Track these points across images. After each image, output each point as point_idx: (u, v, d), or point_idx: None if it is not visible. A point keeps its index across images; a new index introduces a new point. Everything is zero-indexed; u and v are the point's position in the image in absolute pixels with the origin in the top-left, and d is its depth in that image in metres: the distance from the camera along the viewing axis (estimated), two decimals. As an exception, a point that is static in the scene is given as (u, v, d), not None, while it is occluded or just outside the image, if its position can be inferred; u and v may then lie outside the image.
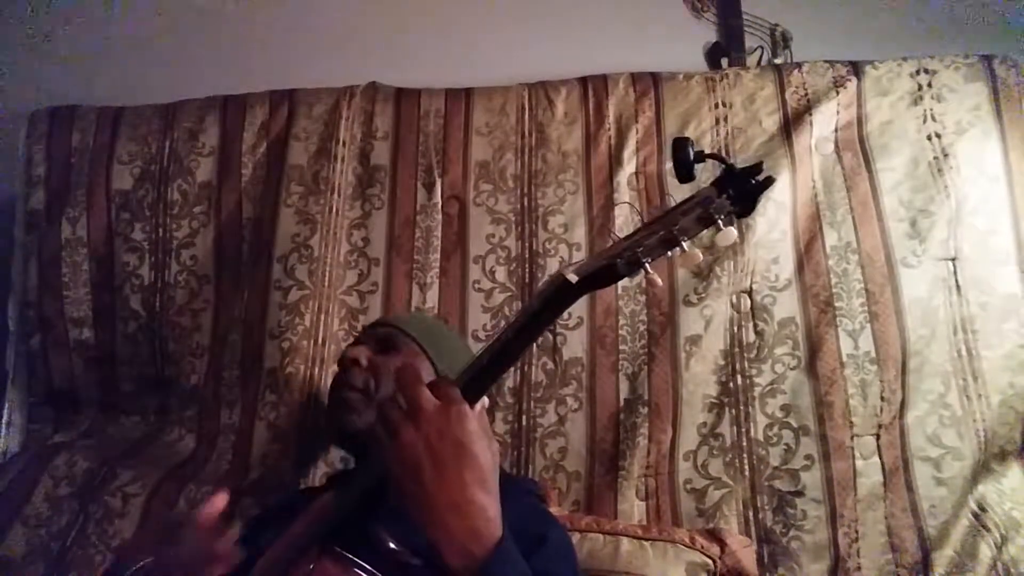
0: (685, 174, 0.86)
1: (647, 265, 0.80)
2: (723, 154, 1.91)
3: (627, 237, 0.84)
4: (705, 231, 0.80)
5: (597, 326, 1.82)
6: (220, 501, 1.07)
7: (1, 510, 1.76)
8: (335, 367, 1.82)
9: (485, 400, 0.91)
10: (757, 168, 0.79)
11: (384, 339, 1.46)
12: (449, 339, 1.58)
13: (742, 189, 0.79)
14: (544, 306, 0.84)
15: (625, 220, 1.89)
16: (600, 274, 0.82)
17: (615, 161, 1.95)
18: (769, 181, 0.80)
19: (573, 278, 0.82)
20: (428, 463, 0.81)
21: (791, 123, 1.92)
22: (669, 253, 0.80)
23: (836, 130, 1.92)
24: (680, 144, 0.85)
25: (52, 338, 2.03)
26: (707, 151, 0.85)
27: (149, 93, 2.20)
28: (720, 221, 0.79)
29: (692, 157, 0.85)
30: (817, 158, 1.90)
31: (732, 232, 0.79)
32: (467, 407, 0.84)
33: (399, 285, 1.90)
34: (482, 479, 0.82)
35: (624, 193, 1.92)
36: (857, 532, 1.62)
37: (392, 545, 0.91)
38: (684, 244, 0.79)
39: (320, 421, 1.80)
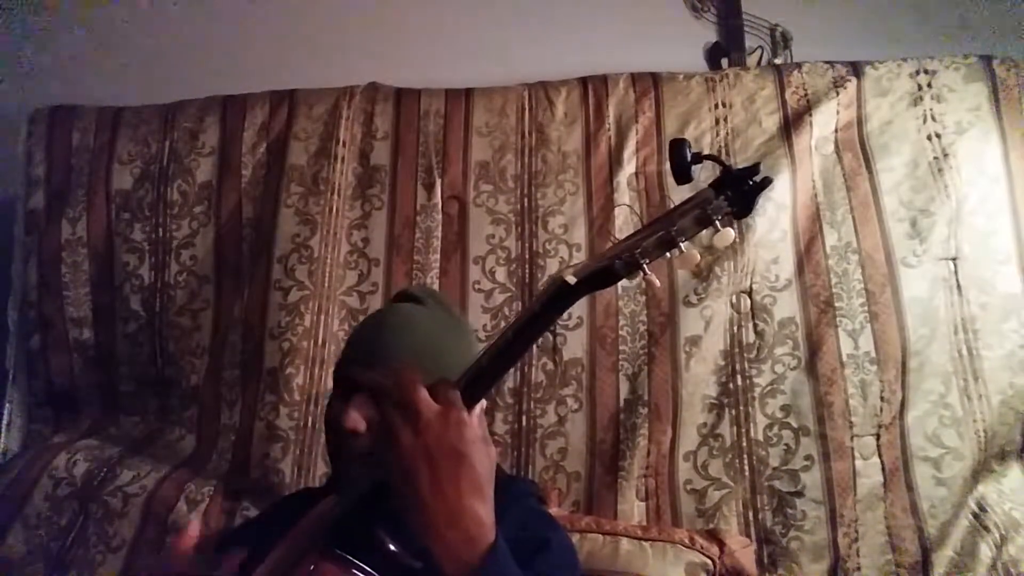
0: (683, 176, 0.86)
1: (645, 266, 0.80)
2: (723, 154, 1.91)
3: (626, 238, 0.84)
4: (703, 232, 0.80)
5: (597, 326, 1.82)
6: (192, 531, 1.06)
7: (1, 510, 1.76)
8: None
9: (484, 402, 0.90)
10: (754, 169, 0.79)
11: (383, 392, 1.21)
12: (460, 358, 1.23)
13: (740, 190, 0.79)
14: (543, 308, 0.84)
15: (625, 220, 1.90)
16: (598, 275, 0.82)
17: (615, 161, 1.95)
18: (766, 182, 0.80)
19: (572, 279, 0.82)
20: (425, 470, 0.81)
21: (791, 123, 1.92)
22: (667, 254, 0.80)
23: (836, 130, 1.92)
24: (677, 145, 0.85)
25: (52, 338, 2.03)
26: (707, 151, 0.85)
27: (149, 93, 2.20)
28: (718, 222, 0.79)
29: (689, 158, 0.85)
30: (817, 158, 1.90)
31: (730, 233, 0.79)
32: (466, 413, 0.83)
33: (399, 285, 1.89)
34: (478, 487, 0.82)
35: (624, 193, 1.92)
36: (857, 532, 1.62)
37: (392, 547, 0.91)
38: (682, 245, 0.79)
39: (320, 421, 1.80)
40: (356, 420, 1.14)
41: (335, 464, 1.25)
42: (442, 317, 1.30)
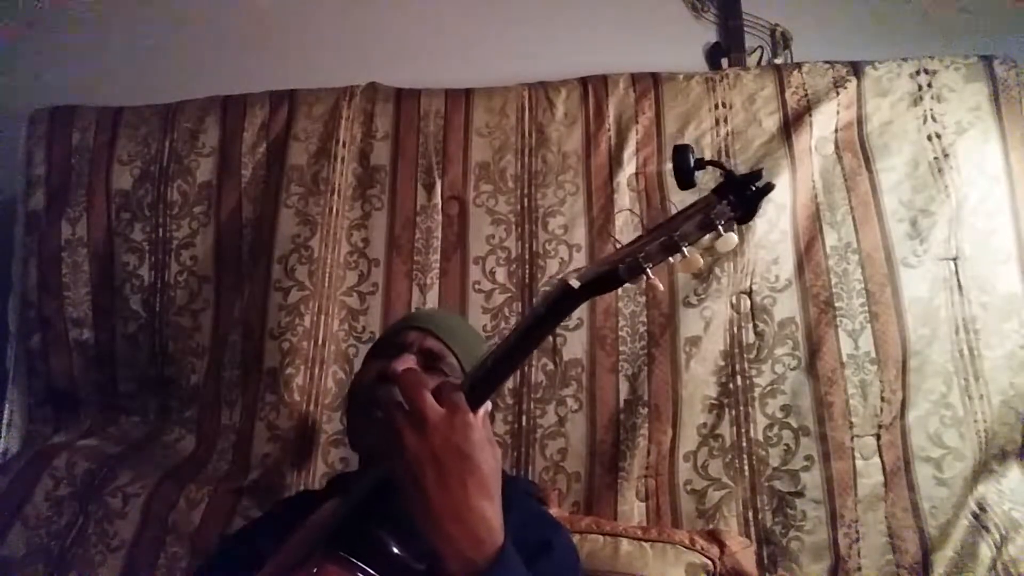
0: (686, 181, 0.86)
1: (648, 270, 0.80)
2: (723, 155, 1.91)
3: (629, 243, 0.84)
4: (706, 237, 0.80)
5: (597, 327, 1.82)
6: None
7: (1, 510, 1.76)
8: (335, 367, 1.84)
9: (488, 404, 0.90)
10: (757, 174, 0.79)
11: (432, 355, 1.36)
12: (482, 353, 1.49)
13: (742, 195, 0.79)
14: (547, 311, 0.84)
15: (625, 222, 1.89)
16: (602, 280, 0.82)
17: (615, 162, 1.95)
18: (769, 187, 0.80)
19: (575, 284, 0.82)
20: (432, 472, 0.81)
21: (791, 123, 1.92)
22: (670, 259, 0.80)
23: (836, 130, 1.92)
24: (680, 151, 0.85)
25: (52, 338, 2.03)
26: (707, 151, 0.85)
27: (149, 93, 2.20)
28: (721, 227, 0.79)
29: (692, 164, 0.85)
30: (817, 158, 1.90)
31: (733, 238, 0.79)
32: (471, 415, 0.83)
33: (399, 286, 1.90)
34: (485, 487, 0.82)
35: (624, 194, 1.92)
36: (857, 532, 1.62)
37: (395, 549, 0.91)
38: (685, 250, 0.79)
39: (320, 421, 1.81)
40: (407, 360, 1.30)
41: (353, 432, 1.39)
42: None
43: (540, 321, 0.85)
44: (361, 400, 1.35)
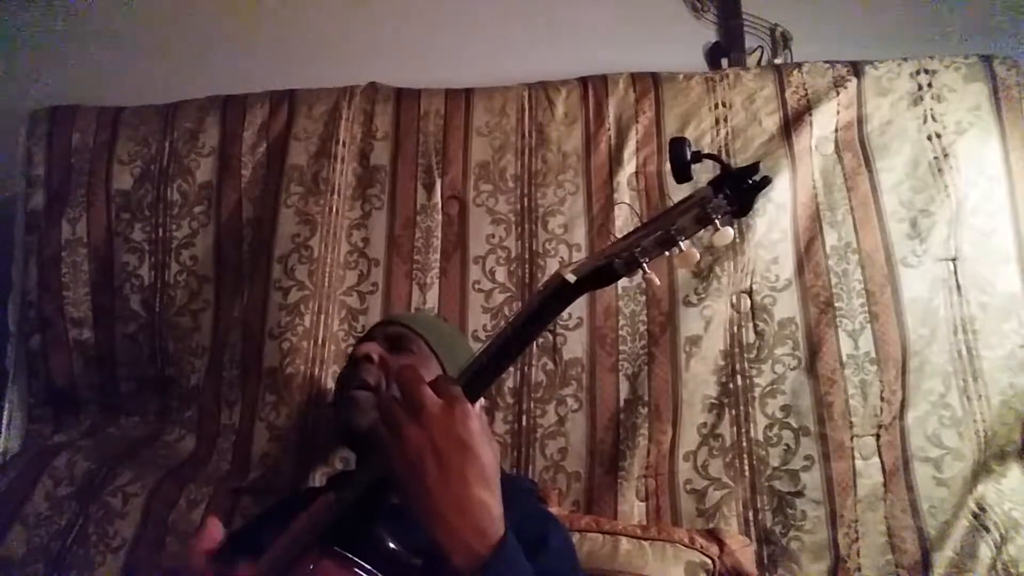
0: (682, 174, 0.85)
1: (645, 265, 0.79)
2: (723, 154, 1.91)
3: (625, 237, 0.84)
4: (702, 231, 0.80)
5: (597, 326, 1.82)
6: (215, 531, 1.07)
7: (1, 510, 1.76)
8: (335, 367, 1.84)
9: (483, 400, 0.90)
10: (754, 168, 0.79)
11: (395, 338, 1.46)
12: (457, 340, 1.58)
13: (739, 189, 0.78)
14: (543, 306, 0.84)
15: (625, 220, 1.89)
16: (598, 274, 0.81)
17: (615, 161, 1.95)
18: (766, 181, 0.79)
19: (571, 278, 0.82)
20: (432, 463, 0.80)
21: (791, 123, 1.92)
22: (667, 253, 0.80)
23: (836, 130, 1.92)
24: (677, 144, 0.85)
25: (52, 338, 2.02)
26: (706, 151, 0.84)
27: (149, 93, 2.20)
28: (717, 221, 0.78)
29: (689, 157, 0.84)
30: (817, 158, 1.90)
31: (729, 232, 0.79)
32: (470, 406, 0.83)
33: (399, 285, 1.90)
34: (485, 478, 0.82)
35: (624, 193, 1.92)
36: (857, 532, 1.62)
37: (392, 545, 0.91)
38: (682, 244, 0.79)
39: (320, 421, 1.80)
40: (371, 348, 1.41)
41: (337, 416, 1.44)
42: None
43: (536, 316, 0.85)
44: (338, 386, 1.46)
